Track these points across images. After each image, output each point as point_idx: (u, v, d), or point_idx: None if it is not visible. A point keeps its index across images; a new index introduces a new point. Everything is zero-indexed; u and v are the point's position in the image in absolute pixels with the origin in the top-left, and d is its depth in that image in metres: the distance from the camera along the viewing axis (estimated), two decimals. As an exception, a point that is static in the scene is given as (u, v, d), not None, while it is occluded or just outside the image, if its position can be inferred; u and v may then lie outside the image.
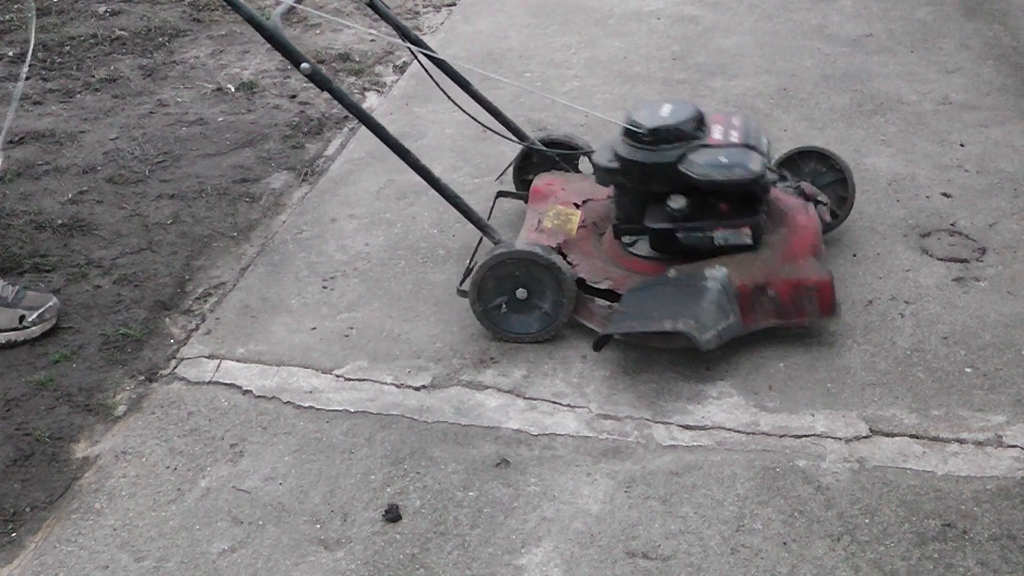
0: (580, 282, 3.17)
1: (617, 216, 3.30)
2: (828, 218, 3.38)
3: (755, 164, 3.06)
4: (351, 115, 3.17)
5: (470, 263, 3.33)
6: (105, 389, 3.09)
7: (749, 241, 3.11)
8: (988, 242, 3.60)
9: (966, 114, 4.50)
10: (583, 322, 3.16)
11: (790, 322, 3.10)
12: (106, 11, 5.91)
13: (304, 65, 2.97)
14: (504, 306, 3.15)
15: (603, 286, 3.17)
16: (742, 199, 3.12)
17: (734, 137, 3.14)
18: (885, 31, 5.39)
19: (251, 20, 2.96)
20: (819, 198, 3.40)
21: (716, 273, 3.02)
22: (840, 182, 3.52)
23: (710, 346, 2.88)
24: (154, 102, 4.84)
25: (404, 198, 4.00)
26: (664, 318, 2.91)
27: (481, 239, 3.37)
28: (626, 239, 3.28)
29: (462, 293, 3.20)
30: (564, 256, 3.23)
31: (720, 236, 3.11)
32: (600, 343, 3.04)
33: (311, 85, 5.01)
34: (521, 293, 3.13)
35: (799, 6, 5.76)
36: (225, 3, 2.99)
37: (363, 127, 4.55)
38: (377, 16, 3.62)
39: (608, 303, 3.17)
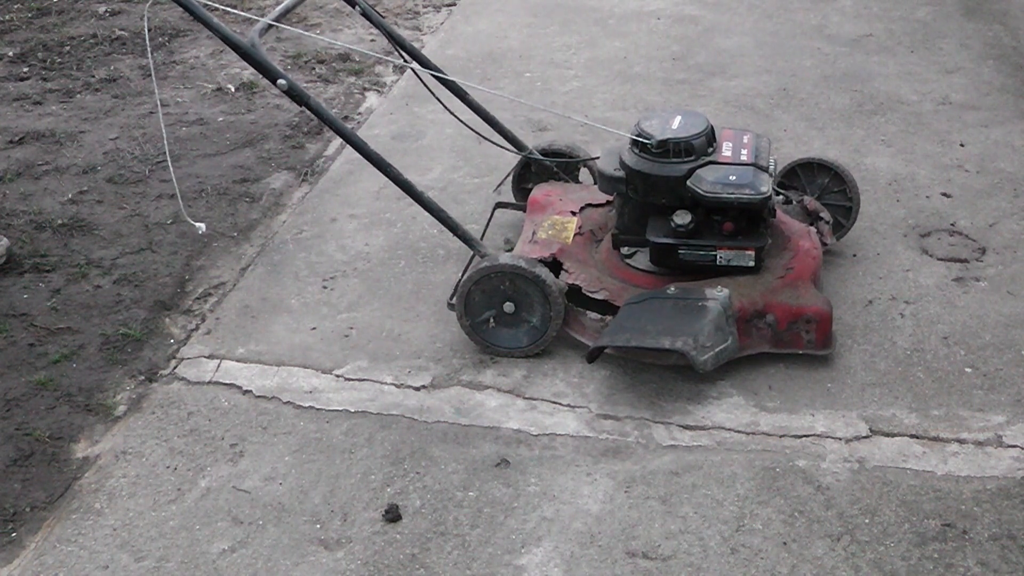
0: (576, 291, 3.14)
1: (617, 226, 3.26)
2: (829, 240, 3.35)
3: (764, 186, 3.01)
4: (338, 124, 3.14)
5: (461, 277, 3.25)
6: (105, 389, 3.09)
7: (752, 264, 3.07)
8: (988, 242, 3.60)
9: (966, 114, 4.50)
10: (574, 335, 3.11)
11: (784, 350, 3.06)
12: (106, 11, 5.91)
13: (281, 81, 2.97)
14: (492, 320, 3.10)
15: (599, 296, 3.12)
16: (748, 220, 3.07)
17: (744, 156, 3.09)
18: (885, 31, 5.39)
19: (227, 39, 2.97)
20: (822, 215, 3.38)
21: (718, 294, 2.97)
22: (843, 192, 3.50)
23: (706, 367, 2.85)
24: (154, 102, 4.84)
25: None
26: (662, 335, 2.87)
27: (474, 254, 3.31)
28: (624, 250, 3.25)
29: (451, 307, 3.15)
30: (560, 265, 3.18)
31: (723, 256, 3.07)
32: (593, 355, 3.02)
33: (311, 86, 5.04)
34: (508, 307, 3.08)
35: (799, 6, 5.76)
36: (202, 24, 3.00)
37: (363, 127, 4.61)
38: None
39: (600, 316, 3.13)
